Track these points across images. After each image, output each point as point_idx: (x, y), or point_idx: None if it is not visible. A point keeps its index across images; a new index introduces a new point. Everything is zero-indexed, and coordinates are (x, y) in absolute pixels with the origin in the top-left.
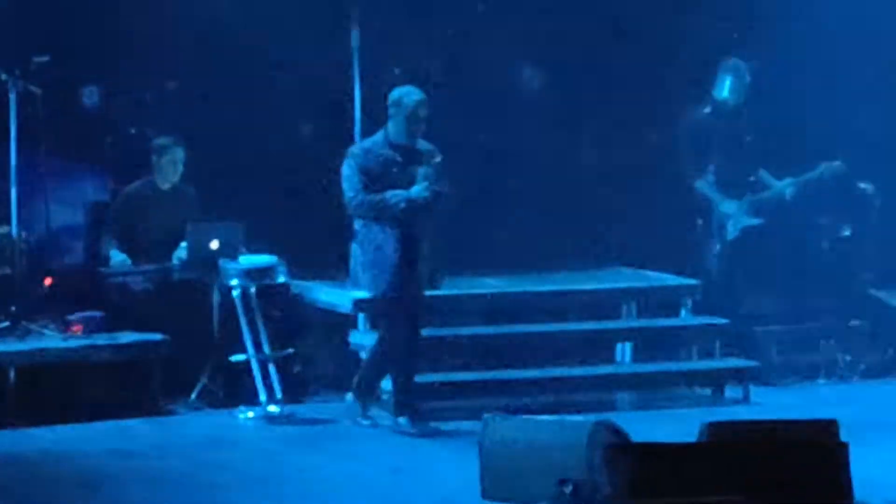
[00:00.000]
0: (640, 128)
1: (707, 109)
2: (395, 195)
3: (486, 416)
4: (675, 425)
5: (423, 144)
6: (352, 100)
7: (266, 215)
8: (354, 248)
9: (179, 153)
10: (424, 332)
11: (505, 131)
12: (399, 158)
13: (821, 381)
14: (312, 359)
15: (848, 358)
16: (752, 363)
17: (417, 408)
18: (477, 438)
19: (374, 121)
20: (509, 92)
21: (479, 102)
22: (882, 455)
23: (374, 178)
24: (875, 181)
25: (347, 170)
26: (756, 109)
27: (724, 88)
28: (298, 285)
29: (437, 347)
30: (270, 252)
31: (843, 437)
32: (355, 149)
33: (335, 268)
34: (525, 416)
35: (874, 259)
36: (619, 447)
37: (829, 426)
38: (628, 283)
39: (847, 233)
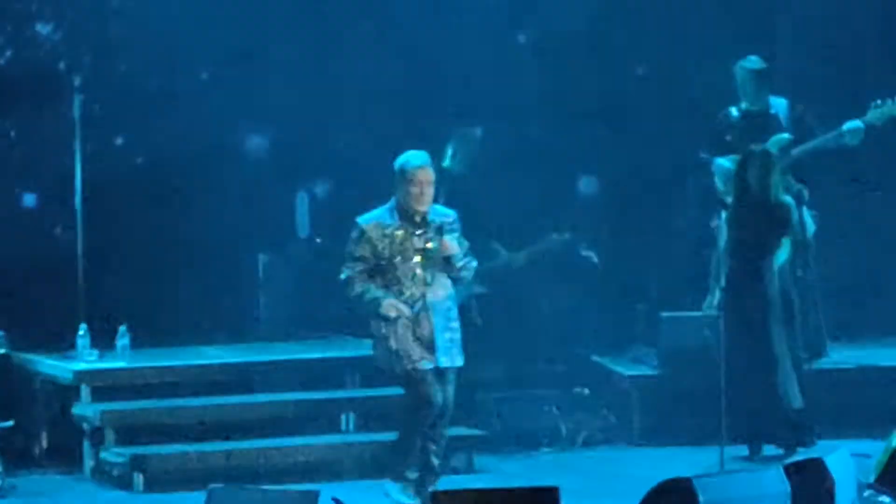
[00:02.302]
0: None
1: None
2: (373, 298)
3: (211, 486)
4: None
5: (436, 213)
6: (74, 169)
7: None
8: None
9: None
10: (145, 403)
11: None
12: (409, 229)
13: (543, 448)
14: (34, 430)
15: (570, 425)
16: (477, 431)
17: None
18: None
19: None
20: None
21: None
22: None
23: (380, 252)
24: (597, 249)
25: (350, 244)
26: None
27: (447, 157)
28: (18, 357)
29: (159, 418)
30: None
31: None
32: (362, 219)
33: (58, 338)
34: (251, 487)
35: (597, 326)
36: None
37: (551, 494)
38: (353, 353)
39: (570, 300)
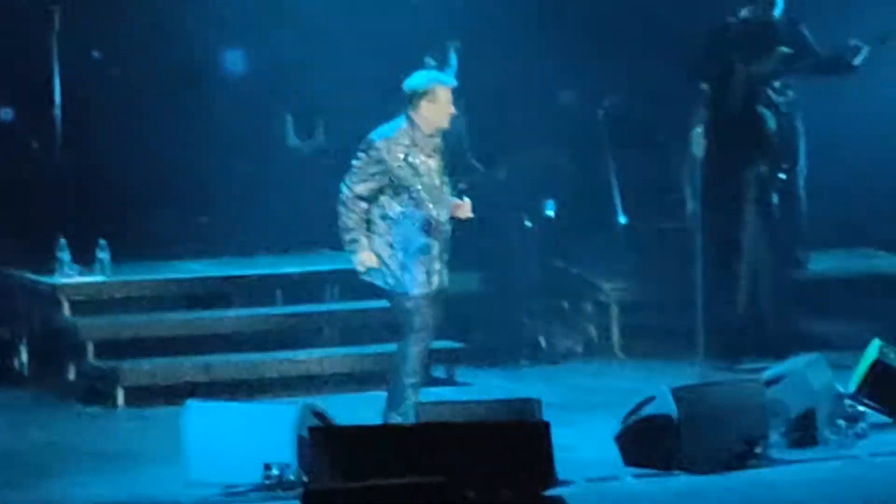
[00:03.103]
0: None
1: None
2: (352, 239)
3: (189, 401)
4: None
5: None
6: (51, 83)
7: None
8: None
9: None
10: (125, 317)
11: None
12: (429, 149)
13: (523, 361)
14: (14, 345)
15: (550, 338)
16: (458, 344)
17: None
18: (183, 422)
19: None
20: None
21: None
22: (583, 434)
23: (398, 174)
24: (574, 158)
25: (362, 160)
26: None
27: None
28: None
29: (143, 332)
30: None
31: (546, 416)
32: (375, 136)
33: (37, 253)
34: (229, 402)
35: (577, 238)
36: (324, 430)
37: (532, 405)
38: (333, 266)
39: (551, 213)
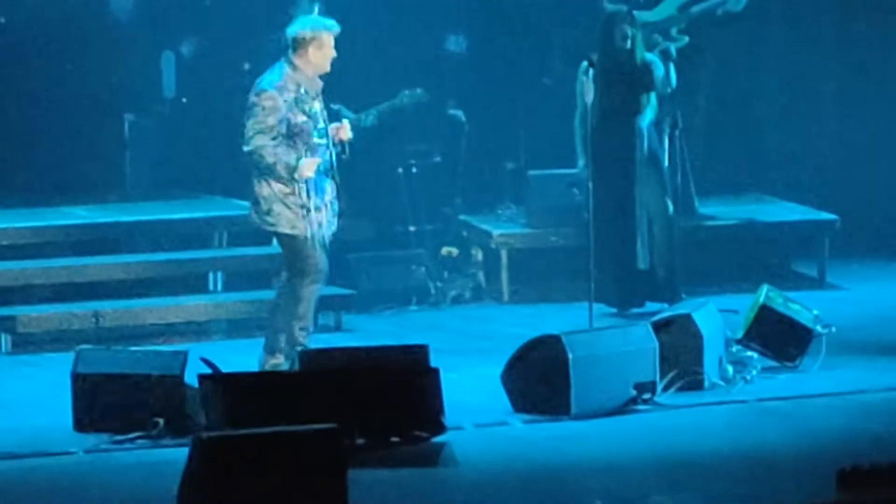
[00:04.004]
0: None
1: None
2: (287, 164)
3: (79, 348)
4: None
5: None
6: None
7: None
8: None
9: None
10: (11, 264)
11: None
12: (311, 94)
13: (412, 307)
14: None
15: (439, 284)
16: (345, 291)
17: None
18: (70, 370)
19: None
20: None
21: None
22: (471, 380)
23: (292, 120)
24: (465, 108)
25: (257, 111)
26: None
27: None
28: None
29: (26, 279)
30: None
31: (434, 362)
32: (267, 84)
33: None
34: (118, 348)
35: (465, 185)
36: (212, 378)
37: (420, 351)
38: (219, 212)
39: (438, 159)
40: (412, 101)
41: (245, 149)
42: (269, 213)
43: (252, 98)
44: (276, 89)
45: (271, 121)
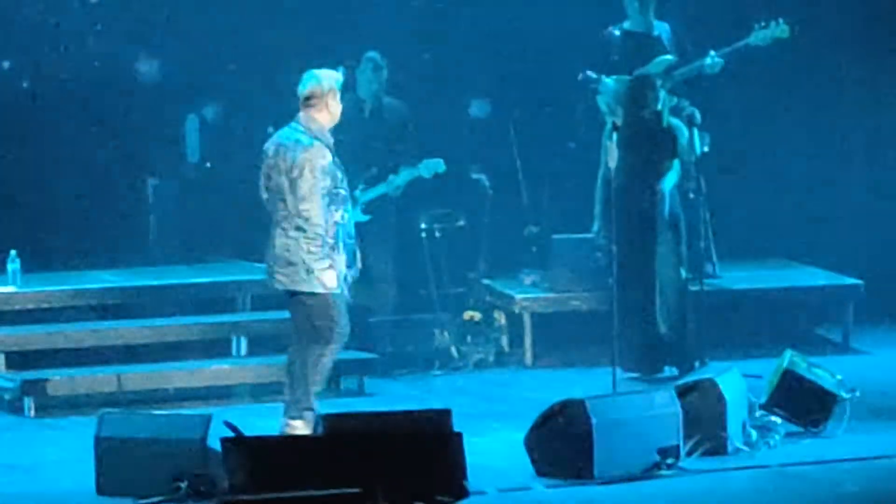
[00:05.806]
0: None
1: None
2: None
3: (102, 411)
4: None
5: None
6: None
7: None
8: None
9: None
10: (36, 327)
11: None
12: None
13: (435, 371)
14: None
15: (462, 348)
16: (368, 355)
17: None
18: (93, 434)
19: None
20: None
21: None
22: (494, 444)
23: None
24: (488, 172)
25: (318, 172)
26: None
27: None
28: None
29: (51, 343)
30: None
31: (457, 426)
32: (315, 142)
33: None
34: (142, 412)
35: (488, 249)
36: (235, 440)
37: (443, 416)
38: (243, 276)
39: (461, 223)
40: (429, 171)
41: (301, 208)
42: (309, 272)
43: (302, 155)
44: (319, 147)
45: (320, 185)
